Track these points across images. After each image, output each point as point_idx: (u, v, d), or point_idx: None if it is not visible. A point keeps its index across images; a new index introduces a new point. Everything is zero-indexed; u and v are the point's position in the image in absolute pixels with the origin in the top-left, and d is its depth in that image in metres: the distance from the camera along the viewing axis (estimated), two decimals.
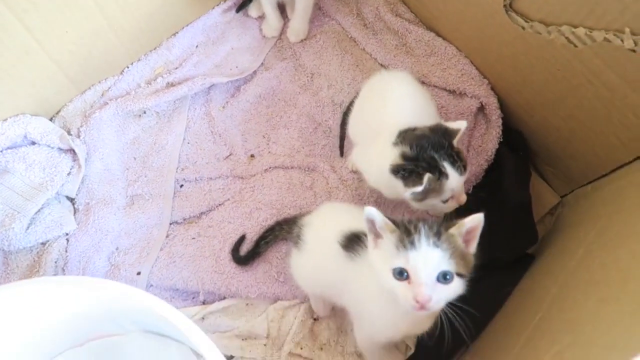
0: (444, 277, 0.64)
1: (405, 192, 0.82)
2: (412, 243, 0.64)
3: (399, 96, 0.91)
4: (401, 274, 0.65)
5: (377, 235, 0.68)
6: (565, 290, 0.77)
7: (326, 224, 0.85)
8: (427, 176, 0.78)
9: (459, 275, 0.66)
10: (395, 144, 0.84)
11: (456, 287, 0.66)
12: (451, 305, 0.70)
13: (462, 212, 1.02)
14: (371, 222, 0.67)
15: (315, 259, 0.85)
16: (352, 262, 0.77)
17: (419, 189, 0.79)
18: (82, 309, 0.77)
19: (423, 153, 0.81)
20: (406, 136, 0.83)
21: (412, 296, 0.64)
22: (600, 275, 0.70)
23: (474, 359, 0.89)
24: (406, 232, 0.65)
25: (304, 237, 0.86)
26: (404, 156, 0.82)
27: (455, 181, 0.82)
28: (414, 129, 0.84)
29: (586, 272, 0.75)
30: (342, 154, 1.10)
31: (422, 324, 0.77)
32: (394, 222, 0.67)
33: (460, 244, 0.68)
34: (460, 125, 0.82)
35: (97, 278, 0.73)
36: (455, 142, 0.82)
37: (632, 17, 0.71)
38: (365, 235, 0.72)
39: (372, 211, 0.66)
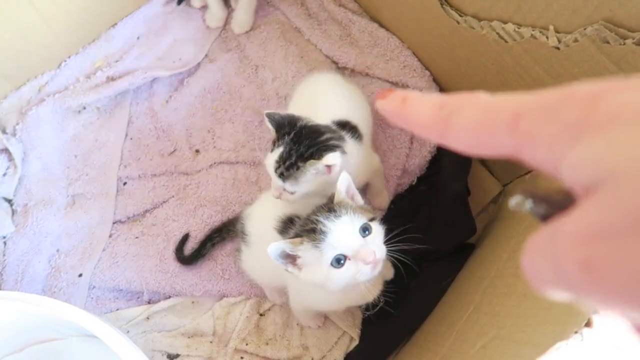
0: (364, 230, 0.69)
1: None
2: (323, 233, 0.67)
3: (328, 94, 0.93)
4: (339, 260, 0.67)
5: (294, 260, 0.70)
6: (495, 282, 0.79)
7: (263, 213, 0.86)
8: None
9: (372, 220, 0.71)
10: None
11: (378, 229, 0.72)
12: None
13: (406, 208, 1.05)
14: (283, 254, 0.69)
15: (259, 249, 0.85)
16: None
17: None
18: (15, 318, 0.76)
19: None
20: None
21: (362, 265, 0.68)
22: None
23: (413, 349, 0.91)
24: (311, 232, 0.68)
25: (247, 229, 0.87)
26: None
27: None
28: None
29: (514, 264, 0.77)
30: None
31: (357, 298, 0.81)
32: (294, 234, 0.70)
33: (350, 202, 0.72)
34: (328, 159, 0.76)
35: (20, 294, 0.72)
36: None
37: (555, 14, 0.72)
38: (299, 217, 0.77)
39: (275, 247, 0.67)
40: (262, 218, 0.86)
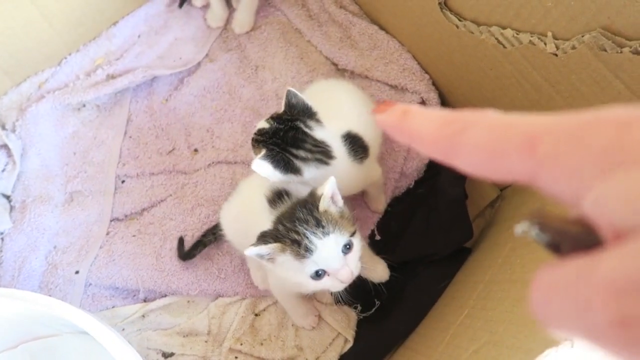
0: (346, 248, 0.71)
1: None
2: (308, 249, 0.67)
3: (344, 104, 0.93)
4: (318, 273, 0.70)
5: (271, 259, 0.71)
6: (490, 287, 0.79)
7: (260, 179, 0.85)
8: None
9: (353, 234, 0.72)
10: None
11: (358, 244, 0.73)
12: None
13: (403, 211, 1.05)
14: (259, 256, 0.69)
15: (245, 208, 0.87)
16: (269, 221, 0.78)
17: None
18: (9, 314, 0.76)
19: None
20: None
21: (338, 282, 0.71)
22: (519, 274, 0.73)
23: (407, 352, 0.91)
24: (295, 244, 0.68)
25: (238, 188, 0.90)
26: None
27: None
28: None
29: (509, 270, 0.77)
30: None
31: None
32: (274, 237, 0.70)
33: (333, 211, 0.72)
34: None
35: (14, 290, 0.72)
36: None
37: (553, 21, 0.72)
38: (288, 194, 0.79)
39: (252, 251, 0.68)
40: (256, 180, 0.86)
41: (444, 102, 1.08)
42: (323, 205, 0.71)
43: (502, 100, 0.91)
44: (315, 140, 0.81)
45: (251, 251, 0.68)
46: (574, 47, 0.70)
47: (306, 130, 0.81)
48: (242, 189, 0.91)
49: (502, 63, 0.85)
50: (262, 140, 0.80)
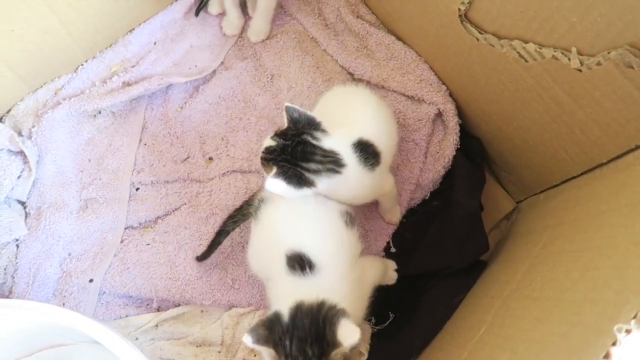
0: None
1: None
2: None
3: (359, 111, 0.93)
4: None
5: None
6: (508, 304, 0.78)
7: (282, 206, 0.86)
8: None
9: None
10: None
11: None
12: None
13: (418, 223, 1.04)
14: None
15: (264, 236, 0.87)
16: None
17: None
18: (25, 326, 0.76)
19: None
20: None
21: None
22: (539, 292, 0.72)
23: None
24: None
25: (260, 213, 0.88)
26: None
27: None
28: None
29: (529, 286, 0.76)
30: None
31: None
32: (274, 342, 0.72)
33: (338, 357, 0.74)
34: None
35: (31, 302, 0.72)
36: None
37: (578, 36, 0.71)
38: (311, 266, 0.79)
39: (248, 341, 0.72)
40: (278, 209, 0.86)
41: (462, 114, 1.07)
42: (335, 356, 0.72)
43: (522, 113, 0.90)
44: (324, 150, 0.82)
45: (247, 340, 0.71)
46: (599, 64, 0.69)
47: (314, 142, 0.81)
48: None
49: (523, 77, 0.84)
50: (272, 158, 0.81)
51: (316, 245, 0.81)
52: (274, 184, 0.78)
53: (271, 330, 0.73)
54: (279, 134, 0.82)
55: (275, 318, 0.74)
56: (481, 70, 0.93)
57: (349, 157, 0.84)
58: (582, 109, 0.78)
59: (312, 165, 0.80)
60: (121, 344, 0.67)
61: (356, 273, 0.84)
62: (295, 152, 0.80)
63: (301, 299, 0.75)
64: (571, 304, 0.61)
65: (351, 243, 0.86)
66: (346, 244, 0.85)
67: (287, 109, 0.81)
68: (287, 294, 0.79)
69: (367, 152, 0.86)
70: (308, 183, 0.80)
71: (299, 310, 0.74)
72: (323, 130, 0.83)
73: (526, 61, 0.81)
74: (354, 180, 0.86)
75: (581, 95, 0.76)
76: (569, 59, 0.74)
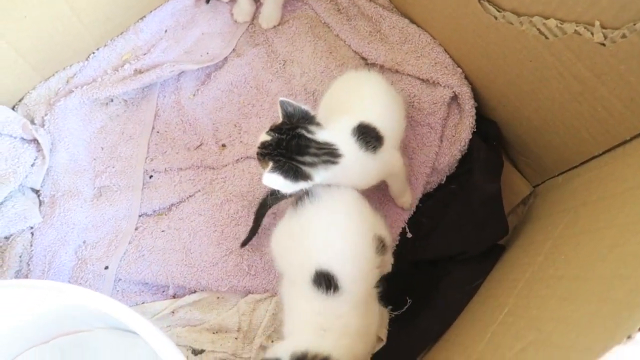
0: None
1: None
2: None
3: (362, 95, 0.92)
4: None
5: None
6: (531, 285, 0.77)
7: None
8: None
9: None
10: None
11: None
12: None
13: (433, 205, 1.03)
14: None
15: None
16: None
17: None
18: (44, 309, 0.76)
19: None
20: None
21: None
22: (563, 271, 0.70)
23: (442, 353, 0.89)
24: None
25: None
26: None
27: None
28: None
29: (552, 267, 0.75)
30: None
31: None
32: None
33: None
34: None
35: (55, 282, 0.72)
36: None
37: (602, 10, 0.69)
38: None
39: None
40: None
41: (477, 97, 1.05)
42: None
43: (541, 93, 0.89)
44: (318, 143, 0.82)
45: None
46: (624, 36, 0.68)
47: (308, 135, 0.81)
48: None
49: (543, 54, 0.82)
50: (267, 153, 0.81)
51: (346, 270, 0.80)
52: (271, 179, 0.79)
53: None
54: (274, 129, 0.82)
55: None
56: (499, 50, 0.91)
57: (349, 144, 0.84)
58: (605, 85, 0.76)
59: (308, 159, 0.81)
60: (149, 327, 0.66)
61: (369, 305, 0.84)
62: (290, 146, 0.80)
63: (306, 349, 0.74)
64: (600, 280, 0.60)
65: (374, 271, 0.85)
66: (370, 272, 0.84)
67: (282, 104, 0.82)
68: (301, 305, 0.80)
69: (368, 135, 0.86)
70: (304, 176, 0.81)
71: None
72: (317, 124, 0.83)
73: (546, 38, 0.79)
74: (357, 166, 0.86)
75: (604, 71, 0.74)
76: (592, 34, 0.72)
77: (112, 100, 1.14)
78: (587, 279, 0.63)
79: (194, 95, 1.15)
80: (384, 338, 0.95)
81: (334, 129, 0.85)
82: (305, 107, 0.83)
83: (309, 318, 0.79)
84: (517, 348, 0.67)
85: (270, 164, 0.79)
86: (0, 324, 0.78)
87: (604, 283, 0.59)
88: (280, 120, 0.83)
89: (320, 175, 0.82)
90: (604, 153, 0.85)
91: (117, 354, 0.87)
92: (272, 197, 0.94)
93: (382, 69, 1.10)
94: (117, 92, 1.10)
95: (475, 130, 1.04)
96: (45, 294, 0.69)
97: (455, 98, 1.06)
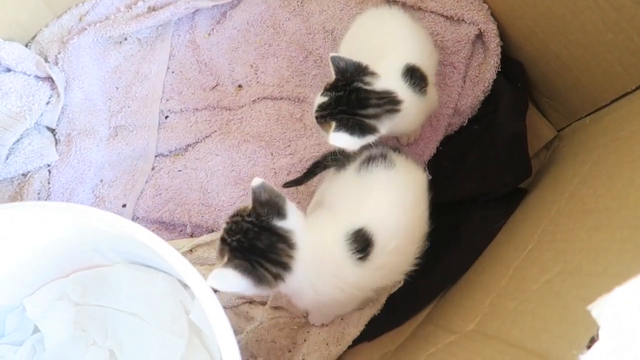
0: None
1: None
2: None
3: (396, 36, 0.89)
4: None
5: None
6: (557, 221, 0.75)
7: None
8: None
9: None
10: None
11: None
12: None
13: (455, 148, 1.00)
14: None
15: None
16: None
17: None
18: (66, 235, 0.75)
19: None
20: None
21: None
22: (593, 204, 0.68)
23: (462, 292, 0.89)
24: None
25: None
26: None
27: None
28: None
29: (580, 201, 0.73)
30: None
31: None
32: None
33: None
34: None
35: (82, 205, 0.71)
36: None
37: None
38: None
39: None
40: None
41: (503, 36, 1.01)
42: None
43: (573, 25, 0.84)
44: (378, 93, 0.78)
45: None
46: None
47: (366, 87, 0.78)
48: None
49: None
50: (328, 113, 0.77)
51: (389, 246, 0.77)
52: (337, 138, 0.75)
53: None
54: (329, 88, 0.79)
55: None
56: None
57: (402, 88, 0.81)
58: None
59: (371, 111, 0.77)
60: (171, 250, 0.66)
61: None
62: (350, 102, 0.76)
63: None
64: (634, 208, 0.58)
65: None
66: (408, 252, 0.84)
67: (333, 60, 0.78)
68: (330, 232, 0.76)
69: (416, 77, 0.83)
70: (370, 130, 0.77)
71: None
72: (372, 73, 0.79)
73: None
74: (411, 110, 0.83)
75: None
76: None
77: (125, 39, 1.11)
78: (619, 209, 0.61)
79: (209, 34, 1.12)
80: (401, 279, 0.94)
81: (383, 74, 0.80)
82: (357, 60, 0.79)
83: None
84: (543, 280, 0.66)
85: (334, 124, 0.76)
86: (24, 243, 0.78)
87: (638, 210, 0.57)
88: (333, 78, 0.80)
89: (385, 125, 0.78)
90: (637, 88, 0.81)
91: (136, 289, 0.88)
92: (334, 157, 0.90)
93: (404, 5, 1.05)
94: (130, 30, 1.08)
95: (499, 70, 1.00)
96: (69, 216, 0.68)
97: (479, 36, 1.02)
